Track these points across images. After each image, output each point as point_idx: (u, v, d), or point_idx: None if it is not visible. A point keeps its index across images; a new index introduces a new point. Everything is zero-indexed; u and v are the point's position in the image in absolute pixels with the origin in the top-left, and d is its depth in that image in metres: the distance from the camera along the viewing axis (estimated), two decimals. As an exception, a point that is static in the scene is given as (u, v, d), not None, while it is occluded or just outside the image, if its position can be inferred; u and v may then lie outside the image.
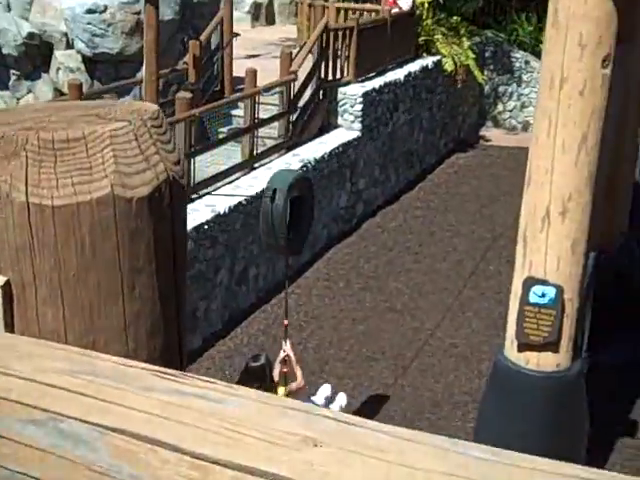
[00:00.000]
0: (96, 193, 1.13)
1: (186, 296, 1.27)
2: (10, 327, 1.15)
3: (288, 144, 12.85)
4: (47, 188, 1.12)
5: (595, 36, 5.60)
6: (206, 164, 11.67)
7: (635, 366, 10.16)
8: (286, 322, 8.07)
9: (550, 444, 6.43)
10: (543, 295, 6.14)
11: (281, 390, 7.33)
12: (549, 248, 6.07)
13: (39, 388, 0.84)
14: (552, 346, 6.27)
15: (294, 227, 7.19)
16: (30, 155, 1.12)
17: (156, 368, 0.88)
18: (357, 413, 9.25)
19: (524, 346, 6.35)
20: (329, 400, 8.51)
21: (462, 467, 0.67)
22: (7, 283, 1.14)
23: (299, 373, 7.68)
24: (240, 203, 10.83)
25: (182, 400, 0.80)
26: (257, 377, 7.06)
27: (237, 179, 11.66)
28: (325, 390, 8.71)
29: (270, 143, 12.67)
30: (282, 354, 7.72)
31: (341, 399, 8.66)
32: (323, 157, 12.91)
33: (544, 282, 6.12)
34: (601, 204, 6.92)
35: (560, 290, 6.10)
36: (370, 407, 9.40)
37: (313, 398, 8.18)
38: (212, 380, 0.85)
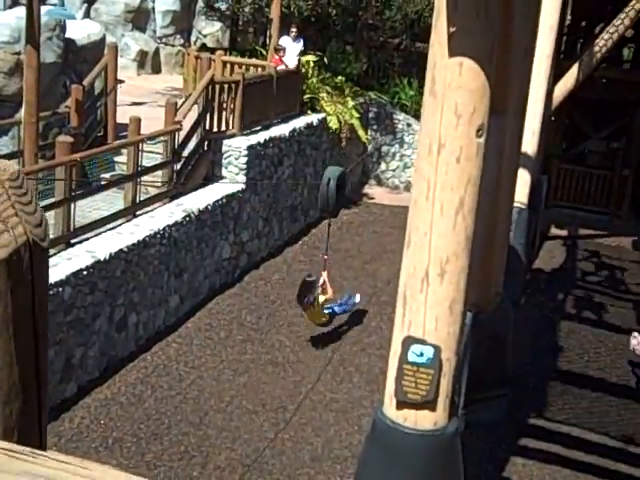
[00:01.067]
0: (-50, 256, 1.06)
1: (47, 359, 1.20)
2: None
3: (172, 193, 12.73)
4: None
5: (470, 106, 5.80)
6: (88, 210, 11.43)
7: (507, 424, 10.42)
8: (326, 257, 12.39)
9: (425, 502, 6.48)
10: (421, 354, 6.22)
11: (321, 297, 11.93)
12: (428, 308, 6.17)
13: None
14: (430, 405, 6.34)
15: (337, 201, 11.84)
16: None
17: (6, 446, 0.82)
18: (234, 467, 9.09)
19: (402, 404, 6.40)
20: (347, 298, 12.85)
21: None
22: None
23: (330, 290, 12.17)
24: (121, 250, 10.61)
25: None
26: (311, 287, 11.83)
27: (119, 225, 11.44)
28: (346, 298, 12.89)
29: (153, 191, 12.52)
30: (322, 279, 12.12)
31: (357, 298, 12.98)
32: (207, 208, 12.84)
33: (423, 342, 6.21)
34: (478, 266, 7.12)
35: (438, 350, 6.19)
36: (249, 460, 9.26)
37: (340, 301, 12.61)
38: (64, 459, 0.79)
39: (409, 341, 6.32)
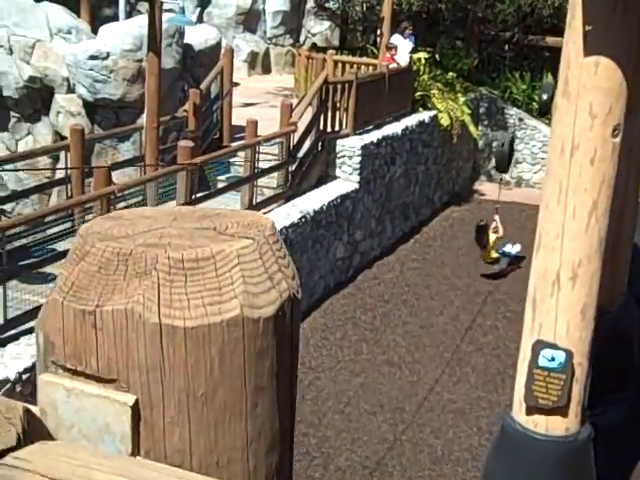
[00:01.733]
0: (227, 314, 1.11)
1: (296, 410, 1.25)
2: (136, 446, 1.12)
3: (287, 194, 12.89)
4: (179, 309, 1.10)
5: (605, 107, 5.67)
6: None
7: (632, 429, 10.13)
8: (498, 205, 15.40)
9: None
10: (553, 359, 6.12)
11: (493, 236, 14.64)
12: (559, 312, 6.07)
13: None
14: (561, 410, 6.24)
15: (509, 160, 16.07)
16: (161, 275, 1.11)
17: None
18: (355, 469, 9.16)
19: (533, 409, 6.31)
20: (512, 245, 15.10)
21: None
22: (136, 403, 1.12)
23: (501, 229, 14.73)
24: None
25: None
26: (484, 231, 14.52)
27: (236, 229, 11.64)
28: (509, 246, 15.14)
29: (269, 193, 12.71)
30: (494, 223, 14.77)
31: (517, 247, 15.07)
32: (322, 208, 12.94)
33: (554, 346, 6.11)
34: (605, 265, 6.94)
35: (570, 354, 6.09)
36: (370, 462, 9.31)
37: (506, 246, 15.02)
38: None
39: (540, 345, 6.23)
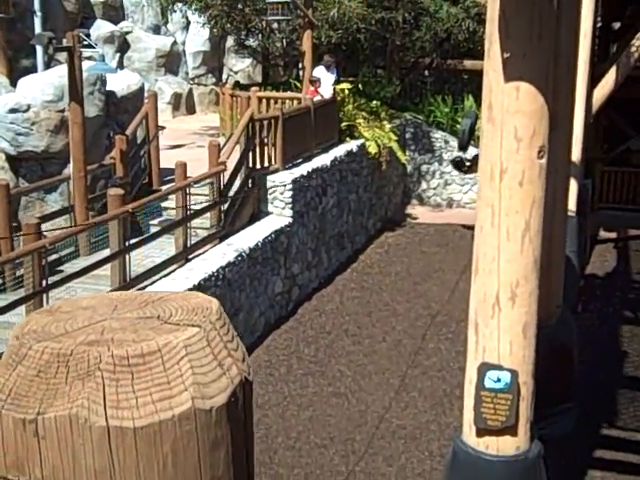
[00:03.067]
0: (178, 409, 1.08)
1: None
2: None
3: (221, 234, 12.83)
4: (127, 409, 1.06)
5: (529, 129, 5.78)
6: (140, 258, 11.55)
7: (579, 437, 10.27)
8: None
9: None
10: (498, 380, 6.16)
11: None
12: (501, 333, 6.13)
13: None
14: (510, 430, 6.28)
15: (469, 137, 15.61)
16: (106, 375, 1.06)
17: None
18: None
19: (483, 431, 6.33)
20: None
21: None
22: (87, 507, 1.07)
23: None
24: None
25: None
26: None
27: (173, 271, 11.54)
28: None
29: (203, 234, 12.63)
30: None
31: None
32: (257, 245, 12.91)
33: (498, 367, 6.15)
34: (540, 282, 7.05)
35: (515, 374, 6.14)
36: (325, 499, 9.23)
37: None
38: None
39: (485, 368, 6.26)
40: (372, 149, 16.91)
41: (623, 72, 15.66)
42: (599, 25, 18.85)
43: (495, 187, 5.92)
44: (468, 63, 19.72)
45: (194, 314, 1.17)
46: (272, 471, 9.75)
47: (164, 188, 13.43)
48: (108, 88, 13.51)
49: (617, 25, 22.26)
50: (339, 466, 9.89)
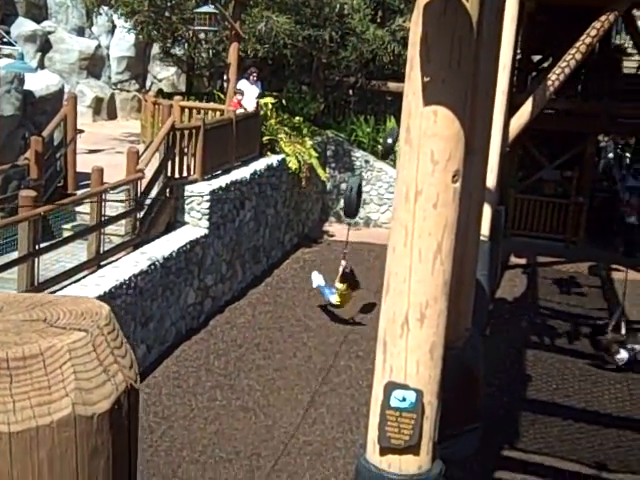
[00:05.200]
0: (57, 414, 1.05)
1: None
2: None
3: (135, 242, 12.64)
4: (3, 412, 1.02)
5: (446, 153, 5.91)
6: (51, 263, 11.29)
7: (481, 458, 10.46)
8: (346, 251, 14.91)
9: None
10: (404, 399, 6.24)
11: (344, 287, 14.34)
12: (409, 353, 6.21)
13: None
14: (413, 449, 6.35)
15: (357, 205, 14.90)
16: (-18, 378, 1.03)
17: None
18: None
19: (386, 450, 6.40)
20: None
21: None
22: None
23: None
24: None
25: None
26: (352, 277, 14.38)
27: (83, 277, 11.31)
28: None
29: (117, 241, 12.43)
30: (342, 267, 14.46)
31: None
32: (171, 254, 12.77)
33: (404, 386, 6.23)
34: (450, 303, 7.18)
35: (420, 394, 6.22)
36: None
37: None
38: None
39: (391, 387, 6.34)
40: (292, 164, 16.97)
41: (539, 104, 16.13)
42: (519, 57, 19.40)
43: (410, 208, 6.02)
44: (392, 85, 20.00)
45: (82, 318, 1.14)
46: (175, 482, 9.62)
47: (79, 192, 13.16)
48: (26, 87, 13.20)
49: (537, 58, 22.95)
50: (243, 481, 9.83)
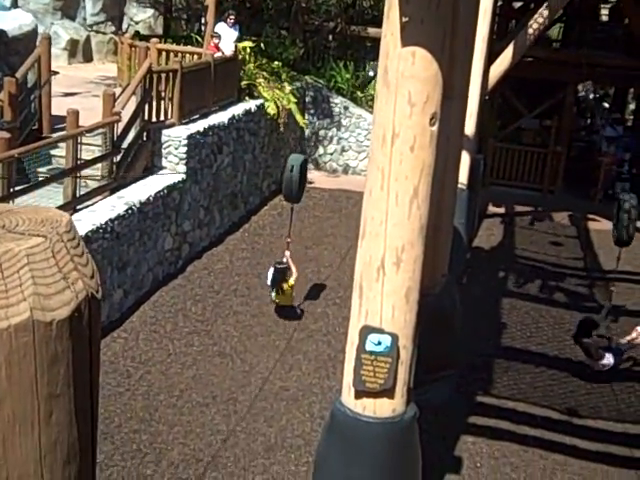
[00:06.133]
0: (14, 319, 1.02)
1: (98, 417, 1.18)
2: None
3: (112, 186, 12.53)
4: (-43, 316, 1.00)
5: (423, 95, 5.84)
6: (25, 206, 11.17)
7: (455, 404, 10.60)
8: (289, 239, 12.95)
9: (386, 487, 6.56)
10: (379, 343, 6.27)
11: (292, 280, 12.43)
12: (385, 297, 6.22)
13: None
14: (388, 393, 6.40)
15: (300, 187, 12.43)
16: None
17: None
18: (188, 463, 9.05)
19: (361, 393, 6.44)
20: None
21: None
22: None
23: (294, 269, 12.48)
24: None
25: None
26: (282, 273, 12.27)
27: (58, 223, 11.21)
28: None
29: (93, 184, 12.31)
30: (285, 259, 12.53)
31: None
32: (148, 199, 12.68)
33: (380, 330, 6.25)
34: (426, 249, 7.19)
35: (395, 338, 6.25)
36: (203, 454, 9.22)
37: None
38: None
39: (366, 330, 6.36)
40: (271, 110, 16.82)
41: (519, 51, 16.05)
42: (500, 3, 19.23)
43: (386, 151, 5.97)
44: (372, 30, 19.78)
45: (42, 225, 1.11)
46: (152, 428, 9.67)
47: (54, 135, 12.99)
48: (-1, 27, 12.95)
49: (518, 4, 22.76)
50: (220, 425, 9.89)
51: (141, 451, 9.21)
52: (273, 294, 12.65)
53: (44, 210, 1.17)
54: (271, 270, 12.53)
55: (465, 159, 13.61)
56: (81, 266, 1.11)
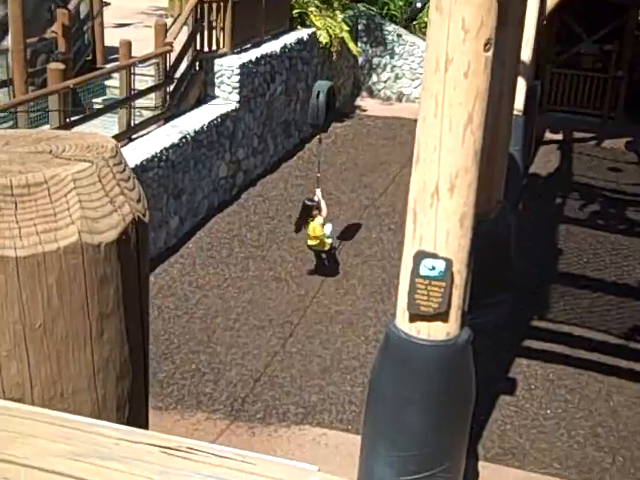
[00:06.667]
0: (63, 242, 1.06)
1: (149, 340, 1.23)
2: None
3: (166, 115, 12.61)
4: (10, 238, 1.04)
5: (477, 20, 5.70)
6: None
7: (510, 328, 10.61)
8: (319, 175, 12.17)
9: (440, 409, 6.65)
10: (433, 268, 6.27)
11: (320, 219, 11.29)
12: (439, 223, 6.20)
13: (44, 477, 0.78)
14: (442, 316, 6.43)
15: (327, 115, 11.70)
16: (-12, 204, 1.04)
17: (161, 442, 0.84)
18: (246, 382, 9.28)
19: (415, 317, 6.48)
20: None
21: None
22: (-32, 336, 1.06)
23: (325, 208, 11.46)
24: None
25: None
26: (308, 210, 11.28)
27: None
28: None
29: (147, 114, 12.40)
30: (316, 198, 11.46)
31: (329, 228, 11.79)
32: (202, 128, 12.75)
33: (434, 255, 6.25)
34: (482, 175, 7.12)
35: (449, 263, 6.25)
36: (260, 375, 9.44)
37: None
38: (224, 453, 0.81)
39: (421, 255, 6.36)
40: (323, 38, 16.61)
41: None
42: None
43: (440, 78, 5.88)
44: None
45: (88, 151, 1.14)
46: (210, 349, 9.92)
47: (108, 66, 13.07)
48: (50, -42, 12.93)
49: None
50: (276, 347, 10.09)
51: (200, 371, 9.48)
52: (309, 242, 11.51)
53: (90, 136, 1.19)
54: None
55: (521, 85, 13.32)
56: (128, 190, 1.14)
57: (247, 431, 8.54)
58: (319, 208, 11.37)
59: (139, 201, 1.16)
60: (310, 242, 11.51)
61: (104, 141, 1.17)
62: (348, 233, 13.29)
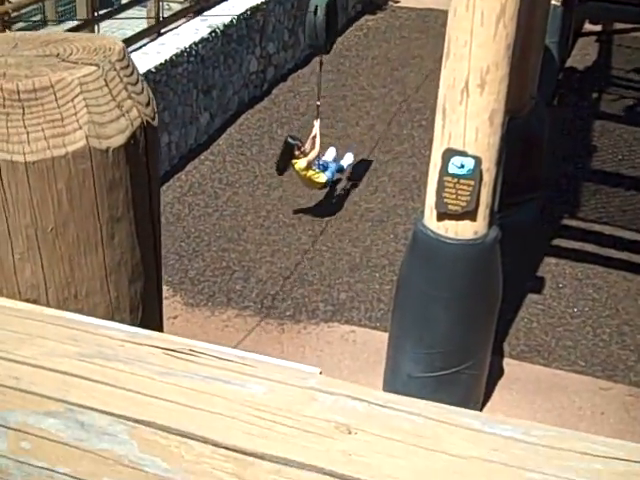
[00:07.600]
0: (71, 146, 1.06)
1: (161, 244, 1.25)
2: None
3: (195, 8, 12.41)
4: (18, 143, 1.05)
5: None
6: (112, 30, 11.24)
7: (539, 226, 10.57)
8: (318, 103, 10.58)
9: (466, 307, 6.72)
10: (462, 166, 6.23)
11: (302, 162, 9.88)
12: (468, 120, 6.11)
13: (49, 376, 0.81)
14: (470, 215, 6.42)
15: (327, 33, 10.00)
16: (-6, 109, 1.04)
17: (165, 344, 0.86)
18: (275, 280, 9.41)
19: (443, 215, 6.48)
20: (337, 159, 10.79)
21: (497, 451, 0.68)
22: (-20, 244, 1.08)
23: (318, 143, 10.05)
24: (149, 70, 10.47)
25: (204, 386, 0.78)
26: (290, 150, 9.83)
27: (144, 45, 11.24)
28: (331, 152, 10.86)
29: (176, 7, 12.21)
30: (314, 131, 10.12)
31: (349, 158, 10.92)
32: (232, 22, 12.53)
33: (463, 153, 6.20)
34: (514, 70, 6.96)
35: (478, 161, 6.19)
36: (290, 272, 9.55)
37: (324, 158, 10.44)
38: (225, 355, 0.83)
39: (449, 153, 6.31)
40: None
41: None
42: None
43: (472, -33, 5.70)
44: None
45: (95, 54, 1.13)
46: (240, 247, 10.01)
47: (135, -44, 12.79)
48: None
49: None
50: (306, 245, 10.15)
51: (230, 268, 9.59)
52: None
53: (98, 38, 1.18)
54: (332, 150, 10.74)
55: (560, -28, 12.86)
56: (135, 94, 1.14)
57: (277, 328, 8.70)
58: (301, 150, 9.93)
59: (148, 105, 1.16)
60: (307, 184, 10.49)
61: (111, 43, 1.16)
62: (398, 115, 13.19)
